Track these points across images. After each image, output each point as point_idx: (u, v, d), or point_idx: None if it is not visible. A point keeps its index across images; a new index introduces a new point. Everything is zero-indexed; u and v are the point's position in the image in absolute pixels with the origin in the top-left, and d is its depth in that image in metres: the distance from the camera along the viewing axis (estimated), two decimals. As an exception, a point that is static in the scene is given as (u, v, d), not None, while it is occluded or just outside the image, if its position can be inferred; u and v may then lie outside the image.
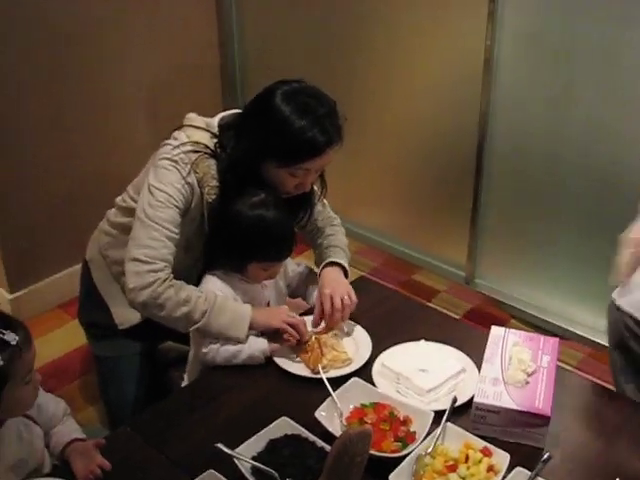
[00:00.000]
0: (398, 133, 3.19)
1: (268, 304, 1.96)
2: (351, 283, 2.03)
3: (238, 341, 1.79)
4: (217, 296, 1.82)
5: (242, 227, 1.81)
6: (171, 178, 1.83)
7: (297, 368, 1.76)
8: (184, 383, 1.94)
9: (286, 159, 1.80)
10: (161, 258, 1.80)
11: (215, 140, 1.89)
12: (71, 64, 2.91)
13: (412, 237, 3.34)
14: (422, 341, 1.83)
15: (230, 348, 1.79)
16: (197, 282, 1.90)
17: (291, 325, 1.80)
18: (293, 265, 2.08)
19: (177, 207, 1.83)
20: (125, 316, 2.10)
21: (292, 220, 1.92)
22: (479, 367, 1.68)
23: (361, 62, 3.17)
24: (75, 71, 2.93)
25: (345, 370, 1.75)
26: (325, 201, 2.14)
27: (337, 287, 1.91)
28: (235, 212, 1.82)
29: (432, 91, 2.99)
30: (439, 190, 3.15)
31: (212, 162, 1.86)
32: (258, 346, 1.79)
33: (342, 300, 1.87)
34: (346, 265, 2.01)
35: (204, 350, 1.80)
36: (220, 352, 1.79)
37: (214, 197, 1.85)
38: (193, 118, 1.94)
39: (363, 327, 1.90)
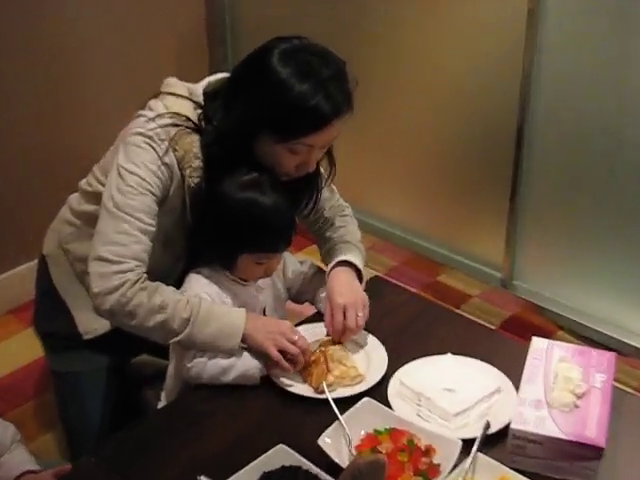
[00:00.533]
0: (424, 105, 3.21)
1: (264, 312, 1.97)
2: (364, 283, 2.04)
3: (230, 352, 1.78)
4: (202, 299, 1.81)
5: (230, 211, 1.81)
6: (145, 158, 1.82)
7: (298, 386, 1.76)
8: (161, 404, 1.94)
9: (284, 132, 1.78)
10: (132, 256, 1.79)
11: (199, 111, 1.88)
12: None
13: (438, 230, 3.35)
14: (448, 355, 1.83)
15: (220, 362, 1.78)
16: (178, 284, 1.90)
17: (288, 352, 1.77)
18: (295, 264, 2.08)
19: (152, 193, 1.82)
20: (90, 324, 2.09)
21: (291, 205, 1.91)
22: (517, 387, 1.68)
23: (381, 15, 3.18)
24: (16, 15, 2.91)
25: (355, 389, 1.75)
26: (333, 186, 2.13)
27: (351, 296, 1.91)
28: (221, 193, 1.81)
29: (466, 58, 3.00)
30: (471, 174, 3.15)
31: (195, 138, 1.85)
32: (254, 362, 1.78)
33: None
34: (360, 266, 2.01)
35: (188, 364, 1.80)
36: (207, 367, 1.78)
37: (197, 180, 1.83)
38: (173, 84, 1.93)
39: (377, 337, 1.90)
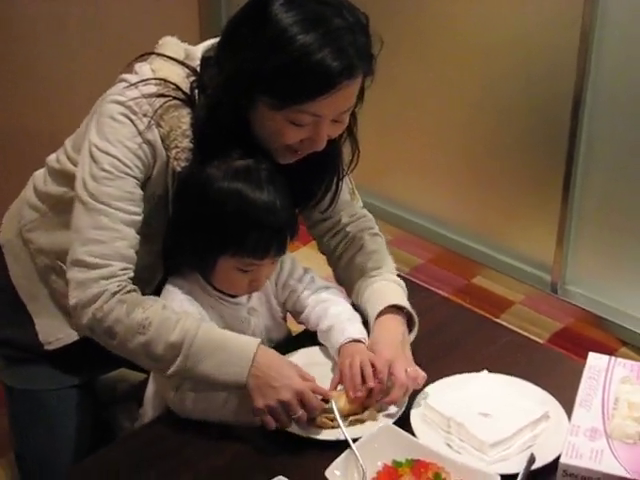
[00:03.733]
0: (463, 80, 3.24)
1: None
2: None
3: (237, 386, 1.73)
4: (200, 323, 1.76)
5: (211, 201, 1.78)
6: (121, 133, 1.79)
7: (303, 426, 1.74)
8: (138, 424, 1.95)
9: (283, 95, 1.72)
10: (115, 256, 1.77)
11: (192, 78, 1.85)
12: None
13: (475, 223, 3.38)
14: (484, 372, 1.83)
15: (212, 397, 1.77)
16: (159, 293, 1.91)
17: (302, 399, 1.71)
18: (299, 269, 2.03)
19: (132, 176, 1.80)
20: (53, 332, 2.06)
21: (290, 203, 1.85)
22: (569, 413, 1.68)
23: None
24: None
25: (369, 425, 1.74)
26: (355, 190, 2.11)
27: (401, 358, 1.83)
28: (204, 178, 1.79)
29: (515, 27, 3.05)
30: (517, 159, 3.18)
31: (185, 112, 1.82)
32: None
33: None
34: (413, 313, 1.94)
35: (171, 396, 1.79)
36: (197, 402, 1.77)
37: (185, 164, 1.81)
38: (168, 43, 1.90)
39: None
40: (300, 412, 1.70)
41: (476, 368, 1.84)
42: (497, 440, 1.65)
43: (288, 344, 1.97)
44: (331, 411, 1.71)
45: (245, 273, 1.82)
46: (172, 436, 1.75)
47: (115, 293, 1.75)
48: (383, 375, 1.77)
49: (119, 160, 1.78)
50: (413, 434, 1.68)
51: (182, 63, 1.86)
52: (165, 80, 1.82)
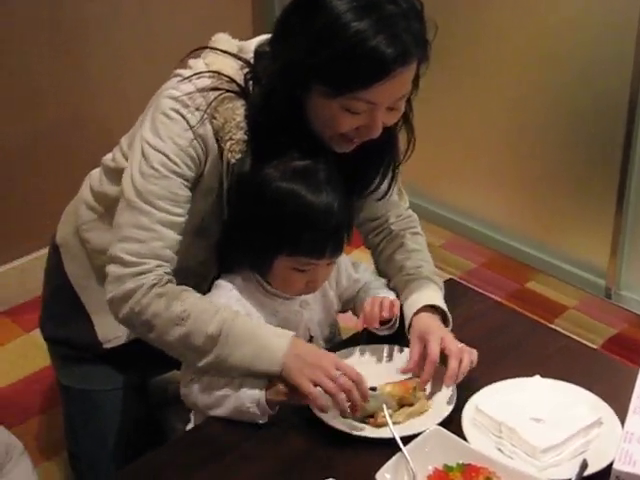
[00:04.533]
0: (518, 81, 3.22)
1: (309, 331, 1.96)
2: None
3: (271, 374, 1.75)
4: (237, 314, 1.79)
5: (269, 201, 1.79)
6: (173, 130, 1.81)
7: (347, 421, 1.75)
8: (190, 426, 1.96)
9: (337, 83, 1.71)
10: (151, 255, 1.80)
11: (246, 70, 1.85)
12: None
13: (528, 227, 3.36)
14: (537, 377, 1.83)
15: (213, 392, 1.78)
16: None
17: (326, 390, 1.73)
18: (349, 268, 2.07)
19: (180, 175, 1.81)
20: (112, 330, 2.08)
21: (347, 203, 1.87)
22: (623, 419, 1.66)
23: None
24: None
25: (419, 424, 1.74)
26: (402, 190, 2.12)
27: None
28: (261, 178, 1.80)
29: (569, 27, 3.02)
30: (571, 161, 3.15)
31: (239, 104, 1.82)
32: (251, 395, 1.75)
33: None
34: (447, 312, 1.96)
35: (183, 390, 1.82)
36: (200, 397, 1.79)
37: (239, 157, 1.82)
38: (221, 39, 1.91)
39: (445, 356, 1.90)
40: (344, 380, 1.71)
41: (529, 373, 1.83)
42: (549, 445, 1.65)
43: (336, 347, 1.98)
44: (379, 402, 1.74)
45: (302, 273, 1.84)
46: (220, 439, 1.76)
47: (152, 286, 1.78)
48: (436, 351, 1.81)
49: (168, 158, 1.80)
50: (464, 438, 1.68)
51: (235, 56, 1.87)
52: (219, 73, 1.83)
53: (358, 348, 1.96)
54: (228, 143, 1.81)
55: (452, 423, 1.71)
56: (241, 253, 1.89)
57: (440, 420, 1.73)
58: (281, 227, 1.79)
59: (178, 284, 1.83)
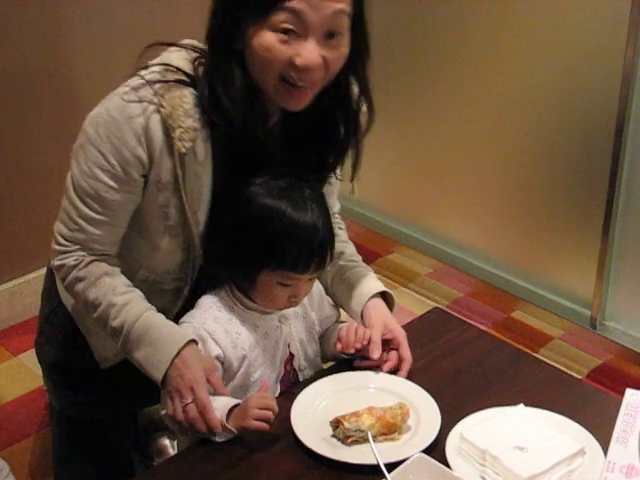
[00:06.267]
0: (504, 111, 3.25)
1: (288, 347, 1.97)
2: (421, 316, 2.04)
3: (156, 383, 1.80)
4: (145, 313, 1.84)
5: (254, 217, 1.82)
6: (114, 129, 1.80)
7: (329, 445, 1.75)
8: (173, 452, 1.97)
9: (259, 1, 1.71)
10: (74, 241, 1.89)
11: (196, 55, 1.86)
12: None
13: (514, 257, 3.37)
14: (521, 406, 1.83)
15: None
16: (197, 285, 1.96)
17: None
18: (329, 302, 2.10)
19: (114, 177, 1.82)
20: (109, 349, 2.06)
21: (328, 220, 1.90)
22: (606, 449, 1.67)
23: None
24: None
25: (402, 451, 1.73)
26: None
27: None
28: (247, 195, 1.83)
29: (556, 57, 3.05)
30: (557, 191, 3.17)
31: (187, 92, 1.82)
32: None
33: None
34: (391, 292, 2.07)
35: (162, 410, 1.85)
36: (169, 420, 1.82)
37: (190, 145, 1.81)
38: (187, 40, 1.93)
39: (436, 382, 1.91)
40: (190, 409, 1.76)
41: (512, 402, 1.84)
42: (532, 474, 1.64)
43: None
44: (360, 430, 1.74)
45: (286, 287, 1.87)
46: (205, 465, 1.75)
47: (73, 267, 1.89)
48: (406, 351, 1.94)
49: (106, 159, 1.82)
50: (448, 466, 1.67)
51: (190, 47, 1.88)
52: (168, 64, 1.83)
53: (348, 373, 1.96)
54: (177, 131, 1.80)
55: (436, 450, 1.71)
56: (224, 268, 1.91)
57: (424, 447, 1.72)
58: (267, 243, 1.82)
59: (158, 289, 1.93)
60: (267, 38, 1.72)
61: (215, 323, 1.88)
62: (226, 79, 1.79)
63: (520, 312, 3.34)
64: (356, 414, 1.75)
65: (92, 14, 3.18)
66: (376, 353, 1.91)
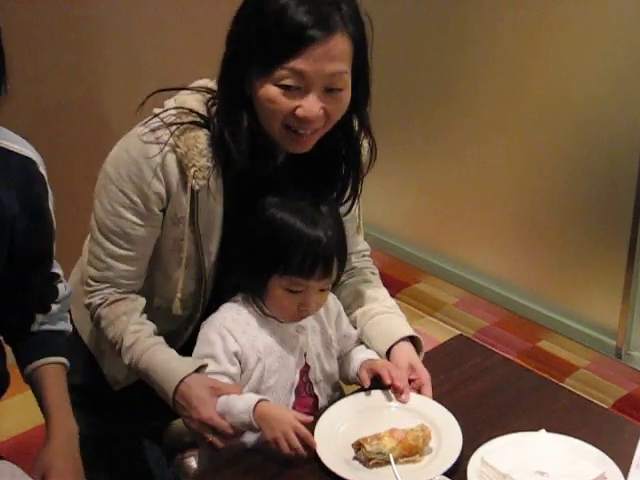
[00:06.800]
0: (532, 142, 3.27)
1: (305, 356, 1.99)
2: (444, 343, 2.06)
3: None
4: (142, 355, 1.92)
5: (263, 225, 1.89)
6: (133, 169, 1.89)
7: (352, 468, 1.77)
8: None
9: (265, 56, 1.79)
10: (103, 279, 1.98)
11: (209, 97, 1.94)
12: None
13: (540, 287, 3.38)
14: (542, 432, 1.83)
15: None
16: (208, 312, 1.99)
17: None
18: (348, 323, 2.12)
19: (138, 213, 1.91)
20: (119, 371, 2.12)
21: (341, 232, 1.95)
22: (627, 475, 1.68)
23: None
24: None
25: (426, 472, 1.74)
26: (361, 225, 2.17)
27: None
28: (261, 205, 1.90)
29: (582, 88, 3.08)
30: (583, 224, 3.19)
31: (201, 133, 1.90)
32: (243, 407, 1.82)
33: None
34: (420, 337, 2.07)
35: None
36: None
37: (203, 183, 1.88)
38: (199, 82, 2.01)
39: (457, 408, 1.91)
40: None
41: (534, 428, 1.84)
42: (553, 498, 1.65)
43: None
44: (382, 453, 1.75)
45: (294, 295, 1.90)
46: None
47: (98, 306, 1.98)
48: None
49: (128, 197, 1.90)
50: (469, 490, 1.68)
51: (203, 90, 1.96)
52: (182, 107, 1.91)
53: (369, 392, 1.98)
54: (192, 170, 1.88)
55: (458, 474, 1.72)
56: (238, 276, 1.96)
57: (445, 469, 1.73)
58: (275, 248, 1.87)
59: (170, 318, 1.99)
60: (270, 91, 1.79)
61: (234, 323, 1.93)
62: (233, 123, 1.87)
63: (546, 342, 3.34)
64: (377, 437, 1.77)
65: (120, 53, 3.28)
66: (404, 398, 1.94)
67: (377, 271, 2.23)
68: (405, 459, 1.77)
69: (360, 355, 2.04)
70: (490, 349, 2.28)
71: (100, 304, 1.97)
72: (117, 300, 1.97)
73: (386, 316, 2.10)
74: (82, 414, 2.20)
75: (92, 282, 1.99)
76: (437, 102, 3.49)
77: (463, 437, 1.82)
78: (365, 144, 2.03)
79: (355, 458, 1.78)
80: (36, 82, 3.11)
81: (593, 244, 3.15)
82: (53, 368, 1.94)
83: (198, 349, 1.93)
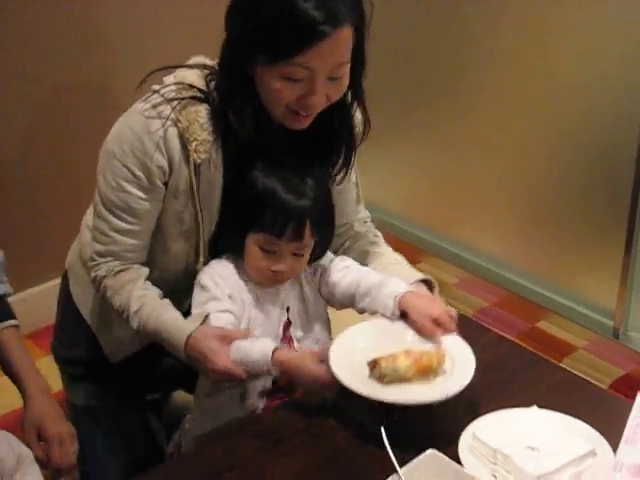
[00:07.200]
0: (530, 128, 3.30)
1: (287, 309, 2.03)
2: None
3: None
4: (148, 318, 1.95)
5: (248, 190, 1.94)
6: (136, 143, 1.92)
7: (365, 385, 1.80)
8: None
9: (274, 49, 1.80)
10: (109, 254, 2.01)
11: (207, 72, 1.97)
12: None
13: (540, 268, 3.40)
14: (534, 408, 1.84)
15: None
16: None
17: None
18: (336, 261, 2.12)
19: (142, 187, 1.94)
20: (116, 344, 2.17)
21: (319, 199, 1.97)
22: (616, 449, 1.69)
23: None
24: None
25: (434, 392, 1.80)
26: (360, 195, 2.21)
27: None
28: (248, 174, 1.94)
29: (582, 78, 3.11)
30: (581, 204, 3.20)
31: (202, 107, 1.93)
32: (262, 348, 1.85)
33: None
34: (432, 279, 2.10)
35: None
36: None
37: (205, 156, 1.92)
38: (195, 59, 2.04)
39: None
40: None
41: (527, 404, 1.85)
42: (542, 473, 1.65)
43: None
44: (396, 371, 1.81)
45: (268, 255, 1.94)
46: (210, 464, 1.79)
47: (103, 278, 2.01)
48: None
49: (132, 173, 1.93)
50: (460, 463, 1.69)
51: (201, 66, 1.99)
52: (182, 82, 1.94)
53: (374, 321, 2.02)
54: (193, 144, 1.91)
55: (449, 449, 1.73)
56: (224, 237, 2.02)
57: (455, 391, 1.79)
58: (251, 207, 1.92)
59: (168, 289, 2.01)
60: (276, 82, 1.83)
61: (224, 271, 1.99)
62: (234, 101, 1.90)
63: (545, 322, 3.36)
64: (393, 356, 1.81)
65: (127, 52, 3.32)
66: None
67: (380, 234, 2.26)
68: (419, 379, 1.82)
69: (386, 290, 2.02)
70: (485, 327, 2.31)
71: (105, 276, 2.00)
72: (121, 270, 2.00)
73: (395, 267, 2.14)
74: (81, 386, 2.25)
75: (97, 257, 2.02)
76: (441, 87, 3.50)
77: (456, 412, 1.84)
78: (358, 115, 2.05)
79: (370, 377, 1.83)
80: (36, 82, 3.16)
81: (592, 226, 3.17)
82: (7, 332, 1.98)
83: (196, 297, 1.98)
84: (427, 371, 1.83)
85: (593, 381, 2.69)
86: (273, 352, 1.81)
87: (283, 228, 1.91)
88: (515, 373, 2.03)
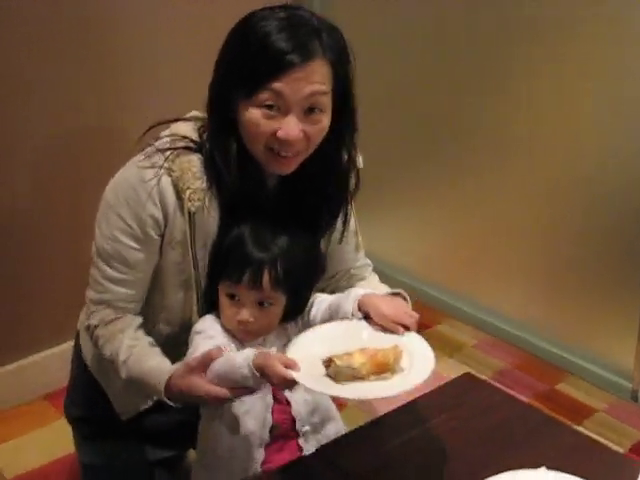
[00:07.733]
0: (544, 182, 3.28)
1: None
2: (451, 380, 2.09)
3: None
4: (136, 361, 1.97)
5: (222, 241, 1.98)
6: (131, 195, 1.95)
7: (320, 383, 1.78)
8: None
9: (249, 82, 1.86)
10: (101, 302, 2.04)
11: (200, 124, 2.02)
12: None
13: (558, 330, 3.37)
14: (543, 469, 1.81)
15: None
16: None
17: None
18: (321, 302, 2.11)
19: (135, 238, 1.97)
20: (127, 401, 2.17)
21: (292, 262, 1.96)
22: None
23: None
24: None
25: (392, 386, 1.76)
26: (360, 243, 2.23)
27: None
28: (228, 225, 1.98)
29: (589, 132, 3.09)
30: (597, 264, 3.18)
31: (194, 157, 1.97)
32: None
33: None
34: (404, 292, 2.09)
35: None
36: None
37: (199, 204, 1.95)
38: (191, 113, 2.10)
39: (458, 444, 1.92)
40: None
41: (536, 465, 1.82)
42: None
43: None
44: (352, 368, 1.77)
45: (232, 302, 1.95)
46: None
47: (96, 327, 2.04)
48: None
49: (125, 222, 1.96)
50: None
51: (194, 118, 2.05)
52: (175, 134, 1.99)
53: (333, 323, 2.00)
54: (187, 192, 1.94)
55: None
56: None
57: (413, 386, 1.74)
58: (220, 259, 1.97)
59: (171, 342, 2.05)
60: (253, 114, 1.87)
61: (212, 325, 1.99)
62: (222, 146, 1.94)
63: (564, 384, 3.33)
64: (348, 354, 1.78)
65: (142, 77, 3.34)
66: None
67: (375, 275, 2.29)
68: (375, 377, 1.78)
69: (350, 296, 2.02)
70: (496, 387, 2.29)
71: (97, 325, 2.03)
72: (114, 319, 2.02)
73: (371, 285, 2.18)
74: (90, 445, 2.25)
75: (91, 305, 2.06)
76: (462, 142, 3.50)
77: (465, 473, 1.83)
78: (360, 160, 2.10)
79: (326, 375, 1.79)
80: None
81: (608, 286, 3.14)
82: None
83: (191, 343, 1.97)
84: (383, 368, 1.78)
85: (611, 444, 2.68)
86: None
87: (241, 274, 1.92)
88: (526, 434, 2.01)
